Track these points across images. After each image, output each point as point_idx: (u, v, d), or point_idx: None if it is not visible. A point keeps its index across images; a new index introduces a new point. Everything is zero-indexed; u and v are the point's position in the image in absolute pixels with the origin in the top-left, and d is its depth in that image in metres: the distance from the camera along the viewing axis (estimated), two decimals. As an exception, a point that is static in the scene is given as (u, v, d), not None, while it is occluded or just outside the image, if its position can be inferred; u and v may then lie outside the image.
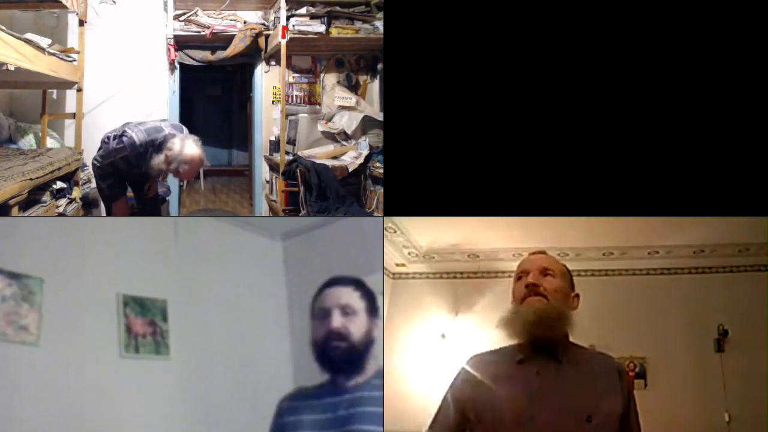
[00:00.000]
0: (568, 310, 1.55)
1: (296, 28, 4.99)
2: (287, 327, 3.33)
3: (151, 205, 3.87)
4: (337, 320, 1.51)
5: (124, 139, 3.39)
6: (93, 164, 3.58)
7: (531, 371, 1.49)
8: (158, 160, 3.35)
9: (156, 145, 3.37)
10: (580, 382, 1.47)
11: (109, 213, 3.59)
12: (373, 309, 1.56)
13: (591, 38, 2.23)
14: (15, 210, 2.92)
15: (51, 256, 2.46)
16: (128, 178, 3.63)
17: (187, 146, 3.34)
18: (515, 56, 2.24)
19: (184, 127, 3.58)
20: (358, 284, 1.57)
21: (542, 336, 1.51)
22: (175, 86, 5.61)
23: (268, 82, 5.88)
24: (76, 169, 4.26)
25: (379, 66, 5.78)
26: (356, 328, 1.52)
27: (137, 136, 3.38)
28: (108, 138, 3.50)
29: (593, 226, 3.02)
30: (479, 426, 1.50)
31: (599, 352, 1.62)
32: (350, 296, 1.54)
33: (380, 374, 1.54)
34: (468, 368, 1.59)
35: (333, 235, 3.31)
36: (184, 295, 2.91)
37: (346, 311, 1.52)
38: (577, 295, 1.61)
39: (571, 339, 1.57)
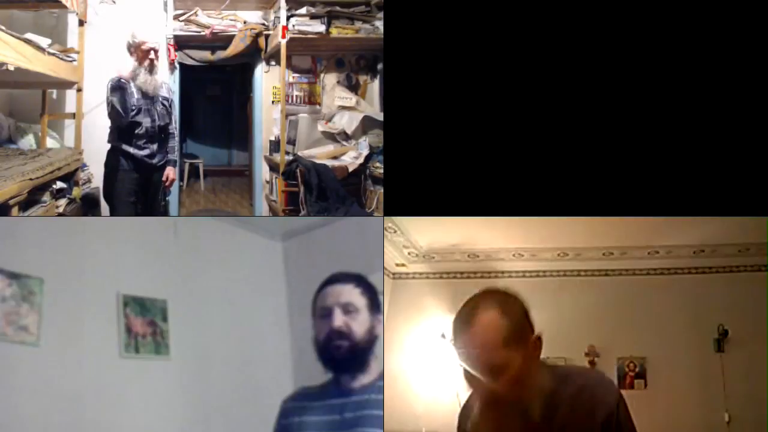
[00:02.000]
0: (534, 385, 1.36)
1: (296, 28, 4.99)
2: (287, 327, 3.33)
3: (164, 195, 3.91)
4: (338, 319, 1.49)
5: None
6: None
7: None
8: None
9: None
10: None
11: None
12: (375, 305, 1.54)
13: (591, 38, 2.23)
14: (15, 210, 2.92)
15: (51, 256, 2.46)
16: (144, 171, 3.65)
17: (143, 33, 3.62)
18: (515, 56, 2.24)
19: None
20: (359, 281, 1.55)
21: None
22: (175, 86, 5.60)
23: (268, 82, 5.88)
24: (76, 169, 4.26)
25: (379, 66, 5.78)
26: (358, 326, 1.50)
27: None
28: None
29: (593, 226, 3.02)
30: None
31: (590, 386, 1.40)
32: (351, 294, 1.52)
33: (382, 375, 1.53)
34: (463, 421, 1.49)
35: (333, 235, 3.31)
36: (184, 295, 2.91)
37: (348, 309, 1.50)
38: (539, 338, 1.37)
39: (554, 367, 1.45)
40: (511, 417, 1.36)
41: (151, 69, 3.63)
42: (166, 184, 3.78)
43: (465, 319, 1.35)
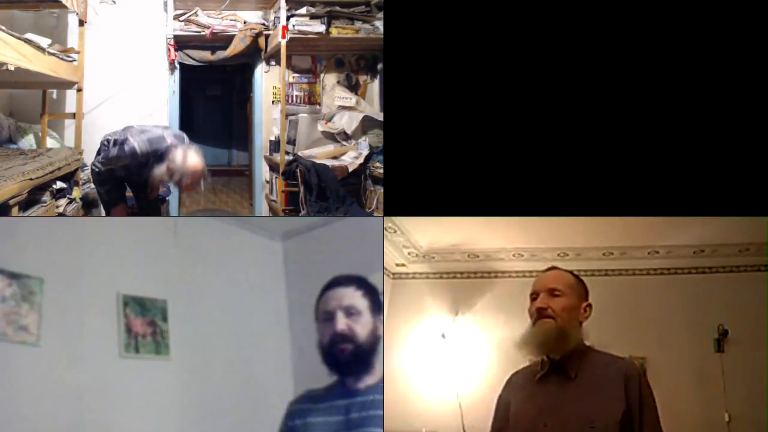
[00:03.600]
0: (575, 327, 1.73)
1: (296, 28, 4.99)
2: (287, 327, 3.33)
3: (151, 205, 3.86)
4: (341, 322, 1.51)
5: (126, 147, 3.30)
6: (92, 169, 3.54)
7: (546, 388, 1.68)
8: (160, 171, 3.25)
9: (158, 155, 3.28)
10: (587, 394, 1.63)
11: (108, 215, 3.58)
12: (376, 307, 1.56)
13: (591, 38, 2.23)
14: (15, 210, 2.93)
15: (51, 256, 2.46)
16: (129, 182, 3.62)
17: (190, 157, 3.24)
18: (515, 56, 2.24)
19: (185, 136, 3.50)
20: (360, 283, 1.57)
21: (552, 353, 1.70)
22: (175, 86, 5.61)
23: (268, 82, 5.88)
24: (76, 169, 4.27)
25: (379, 66, 5.78)
26: (361, 328, 1.52)
27: (139, 145, 3.29)
28: (108, 141, 3.44)
29: (593, 226, 3.02)
30: None
31: (616, 357, 1.76)
32: (353, 296, 1.54)
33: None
34: (505, 384, 1.80)
35: (333, 235, 3.31)
36: (184, 295, 2.91)
37: (350, 312, 1.52)
38: (590, 305, 1.79)
39: (588, 344, 1.77)
40: (551, 377, 1.68)
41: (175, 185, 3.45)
42: (150, 198, 3.73)
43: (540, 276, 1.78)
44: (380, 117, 5.27)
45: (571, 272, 1.82)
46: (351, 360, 1.51)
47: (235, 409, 2.97)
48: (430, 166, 2.25)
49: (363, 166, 4.95)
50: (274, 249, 3.44)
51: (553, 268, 1.82)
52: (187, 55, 5.67)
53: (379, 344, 1.55)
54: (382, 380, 1.54)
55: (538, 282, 1.77)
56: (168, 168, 3.23)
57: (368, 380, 1.53)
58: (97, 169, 3.47)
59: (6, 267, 2.30)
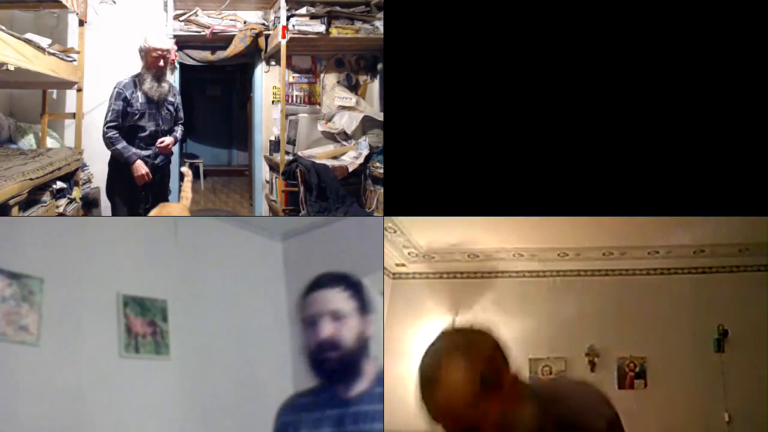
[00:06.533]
0: (515, 427, 1.18)
1: (296, 28, 4.99)
2: (287, 327, 3.33)
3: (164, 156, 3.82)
4: (327, 328, 1.39)
5: (113, 94, 3.57)
6: (103, 134, 3.59)
7: None
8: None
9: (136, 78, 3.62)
10: None
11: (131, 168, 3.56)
12: (364, 306, 1.44)
13: (591, 38, 2.23)
14: (15, 210, 2.92)
15: (51, 256, 2.46)
16: (135, 134, 3.61)
17: (151, 37, 3.62)
18: (515, 56, 2.24)
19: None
20: (347, 283, 1.45)
21: None
22: (175, 86, 5.60)
23: (268, 82, 5.88)
24: (76, 169, 4.26)
25: (379, 66, 5.78)
26: (348, 332, 1.40)
27: (118, 84, 3.60)
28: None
29: (593, 226, 3.02)
30: None
31: (578, 411, 1.26)
32: (338, 299, 1.42)
33: (381, 380, 1.45)
34: None
35: (333, 235, 3.31)
36: (184, 295, 2.91)
37: (337, 316, 1.40)
38: (516, 378, 1.18)
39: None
40: None
41: (159, 77, 3.59)
42: (163, 151, 3.64)
43: (427, 377, 1.17)
44: (380, 117, 5.27)
45: (467, 341, 1.20)
46: (339, 368, 1.40)
47: (235, 409, 2.97)
48: (430, 166, 2.25)
49: (363, 166, 4.95)
50: (274, 249, 3.44)
51: (442, 356, 1.17)
52: (187, 55, 5.67)
53: (368, 347, 1.44)
54: (374, 386, 1.43)
55: (437, 404, 1.16)
56: (139, 51, 3.63)
57: (359, 386, 1.42)
58: (107, 134, 3.54)
59: (6, 267, 2.30)
